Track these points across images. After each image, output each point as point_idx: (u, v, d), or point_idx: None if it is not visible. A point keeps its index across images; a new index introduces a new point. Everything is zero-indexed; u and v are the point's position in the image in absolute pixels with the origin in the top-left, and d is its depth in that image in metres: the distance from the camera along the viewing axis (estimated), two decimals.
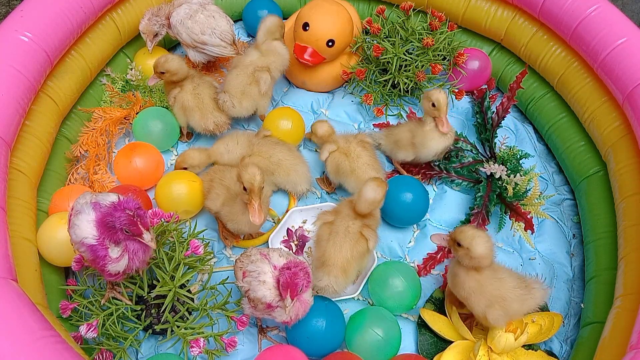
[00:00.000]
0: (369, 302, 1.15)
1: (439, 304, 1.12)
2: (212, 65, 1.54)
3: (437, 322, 1.07)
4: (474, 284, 0.95)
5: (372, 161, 1.24)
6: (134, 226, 0.82)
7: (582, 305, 1.15)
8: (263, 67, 1.31)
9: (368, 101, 1.42)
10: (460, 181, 1.31)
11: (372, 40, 1.43)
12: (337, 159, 1.24)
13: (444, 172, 1.31)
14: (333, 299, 1.08)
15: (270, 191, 1.24)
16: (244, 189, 1.00)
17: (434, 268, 1.19)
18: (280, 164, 1.24)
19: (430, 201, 1.30)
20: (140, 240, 0.85)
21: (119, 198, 0.85)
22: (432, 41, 1.37)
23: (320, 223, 1.07)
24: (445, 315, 1.08)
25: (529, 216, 1.18)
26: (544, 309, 1.11)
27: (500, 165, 1.25)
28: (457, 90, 1.45)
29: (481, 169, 1.28)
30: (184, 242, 1.05)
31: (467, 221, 1.23)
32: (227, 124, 1.33)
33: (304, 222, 1.25)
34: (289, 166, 1.24)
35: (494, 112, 1.39)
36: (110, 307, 1.00)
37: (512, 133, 1.46)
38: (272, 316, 0.94)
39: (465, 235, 0.91)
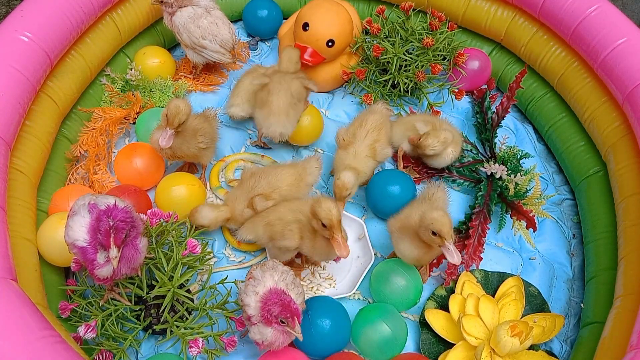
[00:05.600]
0: (368, 302, 1.15)
1: (441, 301, 1.12)
2: (212, 66, 1.54)
3: (440, 323, 1.07)
4: None
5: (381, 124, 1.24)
6: (105, 237, 0.82)
7: (582, 305, 1.15)
8: None
9: (368, 101, 1.42)
10: (462, 181, 1.31)
11: (372, 40, 1.43)
12: (353, 153, 1.20)
13: (446, 171, 1.31)
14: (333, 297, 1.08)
15: None
16: (323, 225, 0.97)
17: (435, 268, 1.19)
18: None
19: None
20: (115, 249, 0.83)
21: (115, 202, 0.85)
22: (432, 41, 1.37)
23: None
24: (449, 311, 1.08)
25: (530, 214, 1.18)
26: (545, 310, 1.11)
27: (501, 165, 1.25)
28: (457, 90, 1.45)
29: (481, 168, 1.28)
30: (183, 241, 1.05)
31: (467, 220, 1.22)
32: None
33: None
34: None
35: (494, 112, 1.39)
36: (109, 308, 1.00)
37: (512, 133, 1.46)
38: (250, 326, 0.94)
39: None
